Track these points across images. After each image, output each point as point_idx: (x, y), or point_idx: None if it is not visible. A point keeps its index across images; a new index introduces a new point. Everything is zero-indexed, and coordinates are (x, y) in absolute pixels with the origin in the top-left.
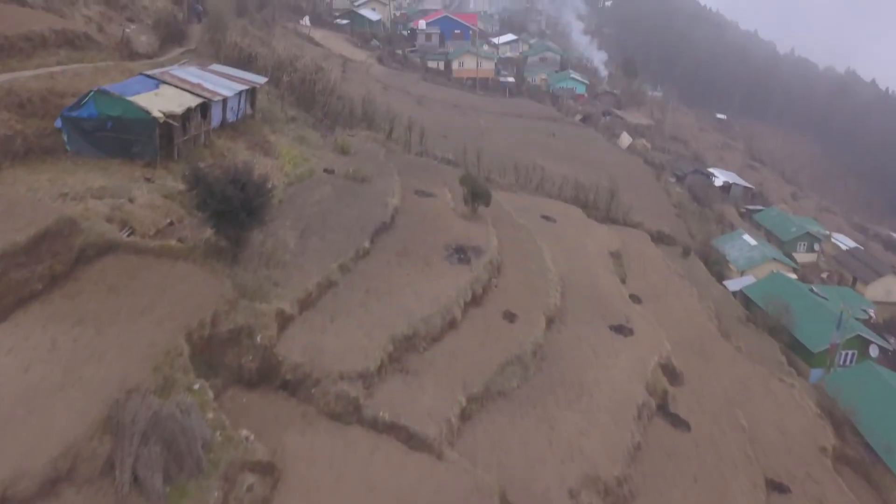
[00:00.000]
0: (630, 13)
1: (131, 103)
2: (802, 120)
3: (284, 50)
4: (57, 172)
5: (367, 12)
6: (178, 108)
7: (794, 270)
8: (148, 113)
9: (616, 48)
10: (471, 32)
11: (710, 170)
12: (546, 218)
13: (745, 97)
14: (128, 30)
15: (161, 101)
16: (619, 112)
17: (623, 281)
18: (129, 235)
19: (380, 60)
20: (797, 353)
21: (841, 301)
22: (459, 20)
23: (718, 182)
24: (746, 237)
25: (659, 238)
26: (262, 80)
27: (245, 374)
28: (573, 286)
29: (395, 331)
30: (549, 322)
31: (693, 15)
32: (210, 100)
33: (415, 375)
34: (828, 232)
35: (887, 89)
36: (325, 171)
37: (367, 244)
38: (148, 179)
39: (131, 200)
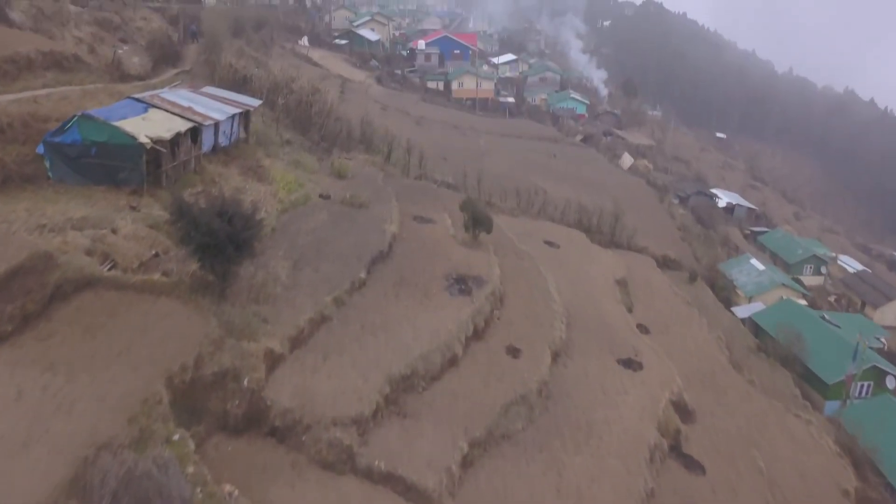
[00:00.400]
0: (628, 33)
1: (117, 128)
2: (801, 138)
3: (281, 71)
4: (36, 202)
5: (365, 32)
6: (166, 133)
7: (804, 296)
8: (134, 138)
9: (615, 67)
10: (470, 52)
11: (714, 191)
12: (549, 243)
13: (743, 116)
14: (119, 51)
15: (149, 126)
16: (619, 132)
17: (630, 310)
18: (110, 269)
19: (379, 81)
20: (811, 384)
21: (857, 331)
22: (459, 40)
23: (722, 203)
24: (754, 262)
25: (664, 263)
26: (256, 102)
27: (230, 421)
28: (579, 317)
29: (392, 370)
30: (555, 356)
31: (691, 35)
32: (201, 124)
33: (413, 419)
34: (834, 254)
35: (886, 108)
36: (321, 196)
37: (363, 275)
38: (133, 208)
39: (114, 231)
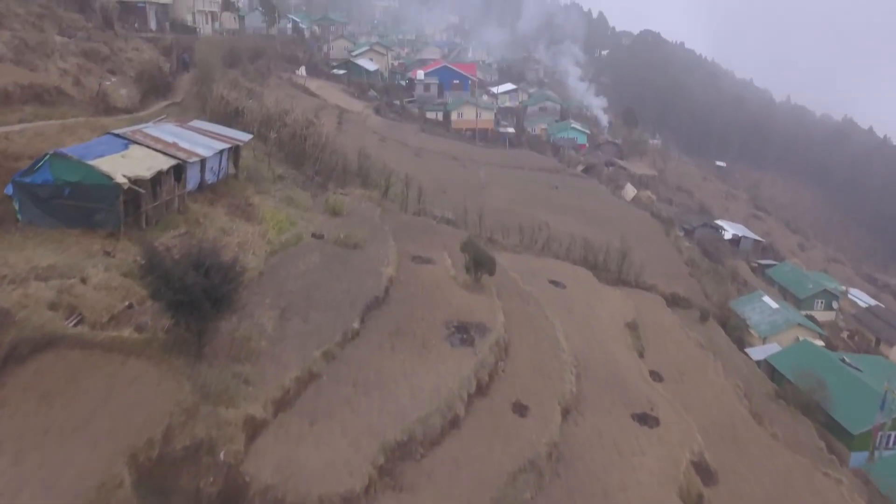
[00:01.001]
0: (626, 62)
1: (92, 168)
2: (801, 166)
3: (275, 103)
4: (0, 248)
5: (364, 62)
6: (146, 172)
7: (820, 336)
8: (110, 178)
9: (614, 95)
10: (470, 83)
11: (719, 222)
12: (555, 283)
13: (742, 144)
14: (108, 83)
15: (127, 165)
16: (621, 162)
17: (641, 355)
18: (75, 324)
19: (377, 111)
20: (834, 433)
21: (881, 376)
22: (458, 70)
23: (727, 235)
24: (767, 299)
25: (674, 301)
26: (246, 137)
27: (204, 501)
28: (589, 366)
29: (387, 436)
30: (565, 413)
31: (689, 64)
32: (185, 161)
33: (410, 492)
34: (844, 288)
35: (885, 137)
36: (314, 236)
37: (356, 324)
38: (108, 253)
39: (84, 280)
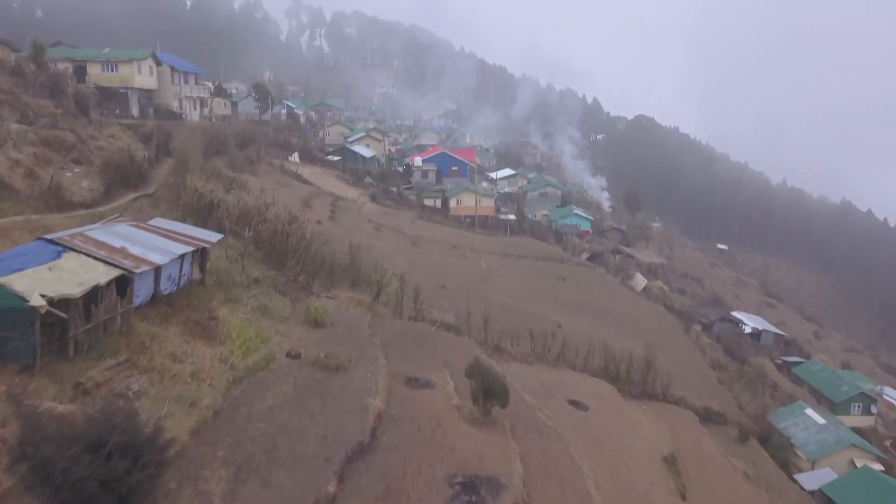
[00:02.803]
0: (622, 146)
1: (2, 287)
2: (803, 249)
3: (259, 194)
4: None
5: (360, 148)
6: (75, 289)
7: (878, 458)
8: (23, 300)
9: (611, 177)
10: (469, 169)
11: (737, 315)
12: (575, 404)
13: (743, 227)
14: (69, 173)
15: (53, 280)
16: (628, 250)
17: (683, 497)
18: None
19: (373, 198)
20: None
21: None
22: (457, 156)
23: (747, 329)
24: (810, 412)
25: (707, 416)
26: (215, 237)
27: None
28: None
29: None
30: None
31: (684, 147)
32: (131, 271)
33: None
34: (879, 388)
35: (885, 219)
36: (289, 355)
37: (332, 487)
38: (12, 397)
39: None
